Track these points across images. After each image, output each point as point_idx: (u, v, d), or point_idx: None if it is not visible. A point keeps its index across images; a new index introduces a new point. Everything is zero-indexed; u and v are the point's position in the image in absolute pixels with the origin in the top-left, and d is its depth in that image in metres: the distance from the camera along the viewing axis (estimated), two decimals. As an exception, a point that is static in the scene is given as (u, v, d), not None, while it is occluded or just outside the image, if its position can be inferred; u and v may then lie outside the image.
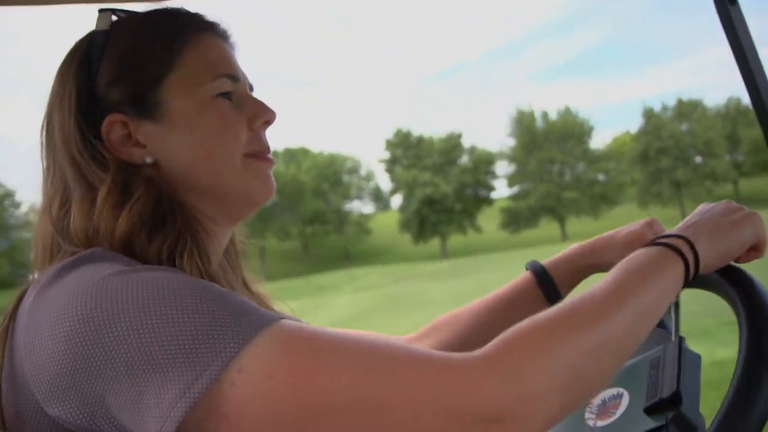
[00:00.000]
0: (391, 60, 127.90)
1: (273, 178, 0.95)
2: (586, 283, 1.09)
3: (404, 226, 66.83)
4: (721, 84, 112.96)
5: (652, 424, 0.91)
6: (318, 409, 0.65)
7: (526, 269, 1.16)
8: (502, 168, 70.85)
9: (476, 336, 1.14)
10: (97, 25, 0.91)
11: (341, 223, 68.64)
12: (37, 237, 0.90)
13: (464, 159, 70.18)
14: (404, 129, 71.69)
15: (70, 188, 0.87)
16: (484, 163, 69.87)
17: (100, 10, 0.91)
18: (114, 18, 0.92)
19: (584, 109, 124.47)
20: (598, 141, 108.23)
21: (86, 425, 0.71)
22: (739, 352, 0.85)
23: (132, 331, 0.67)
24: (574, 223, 68.84)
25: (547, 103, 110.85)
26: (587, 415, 1.01)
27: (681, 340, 0.96)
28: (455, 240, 69.00)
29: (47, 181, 0.91)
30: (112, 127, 0.88)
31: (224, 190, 0.91)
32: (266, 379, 0.65)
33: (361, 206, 74.07)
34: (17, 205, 65.52)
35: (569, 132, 67.85)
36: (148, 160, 0.88)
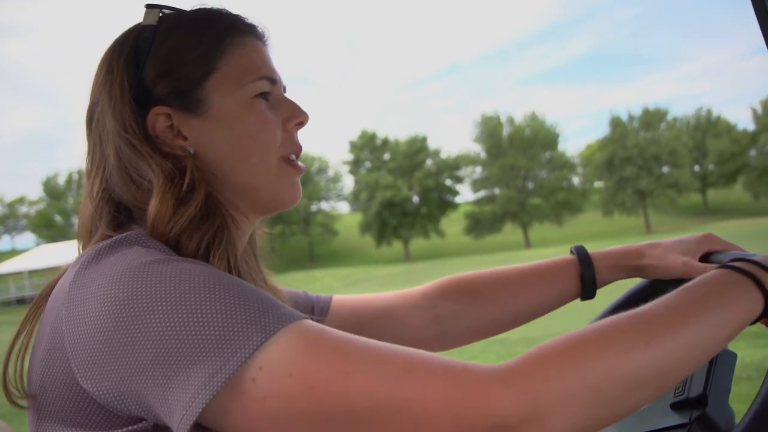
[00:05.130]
0: (374, 63, 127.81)
1: (300, 185, 1.00)
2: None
3: (365, 228, 66.38)
4: (709, 92, 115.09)
5: (676, 419, 0.91)
6: (333, 410, 0.68)
7: (571, 252, 1.18)
8: (469, 173, 70.87)
9: (497, 302, 1.18)
10: (145, 19, 0.95)
11: (307, 224, 68.22)
12: (80, 217, 0.97)
13: (430, 162, 69.74)
14: (369, 131, 71.34)
15: (111, 173, 0.92)
16: (448, 167, 69.61)
17: (148, 6, 0.96)
18: (161, 14, 0.96)
19: (570, 115, 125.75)
20: (572, 148, 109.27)
21: (115, 404, 0.75)
22: None
23: (162, 321, 0.71)
24: (538, 230, 69.13)
25: (533, 108, 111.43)
26: None
27: None
28: (421, 243, 68.84)
29: (90, 165, 0.95)
30: (157, 118, 0.92)
31: (255, 188, 0.95)
32: (286, 377, 0.68)
33: (332, 207, 73.50)
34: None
35: (534, 138, 68.08)
36: (191, 150, 0.92)
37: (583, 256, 1.16)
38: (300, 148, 1.00)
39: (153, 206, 0.86)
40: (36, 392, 0.83)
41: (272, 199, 0.97)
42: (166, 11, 0.97)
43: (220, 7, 1.00)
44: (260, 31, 1.00)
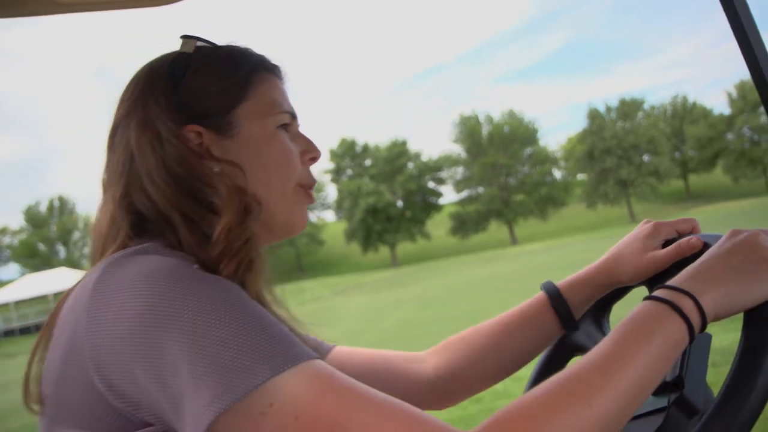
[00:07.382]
0: (352, 69, 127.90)
1: (308, 214, 1.06)
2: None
3: (350, 235, 66.38)
4: (686, 79, 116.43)
5: (655, 404, 0.93)
6: None
7: (541, 290, 1.21)
8: (451, 174, 70.97)
9: (485, 355, 1.21)
10: (182, 47, 1.03)
11: (291, 235, 67.88)
12: (94, 233, 0.99)
13: (411, 166, 69.79)
14: (349, 138, 71.48)
15: (144, 183, 0.93)
16: (429, 169, 69.81)
17: (184, 36, 1.04)
18: (197, 44, 1.03)
19: (552, 109, 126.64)
20: (555, 142, 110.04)
21: (131, 409, 0.78)
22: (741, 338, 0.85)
23: (183, 337, 0.74)
24: (523, 226, 69.36)
25: (515, 105, 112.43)
26: None
27: None
28: (408, 247, 68.85)
29: (110, 177, 0.98)
30: (189, 135, 0.96)
31: (273, 214, 1.00)
32: (292, 419, 0.72)
33: (318, 216, 73.22)
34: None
35: (513, 135, 68.35)
36: (216, 169, 0.95)
37: (552, 292, 1.18)
38: (314, 181, 1.06)
39: (225, 216, 0.89)
40: (50, 396, 0.85)
41: (285, 223, 1.02)
42: (202, 43, 1.04)
43: (248, 47, 1.08)
44: (282, 71, 1.08)
